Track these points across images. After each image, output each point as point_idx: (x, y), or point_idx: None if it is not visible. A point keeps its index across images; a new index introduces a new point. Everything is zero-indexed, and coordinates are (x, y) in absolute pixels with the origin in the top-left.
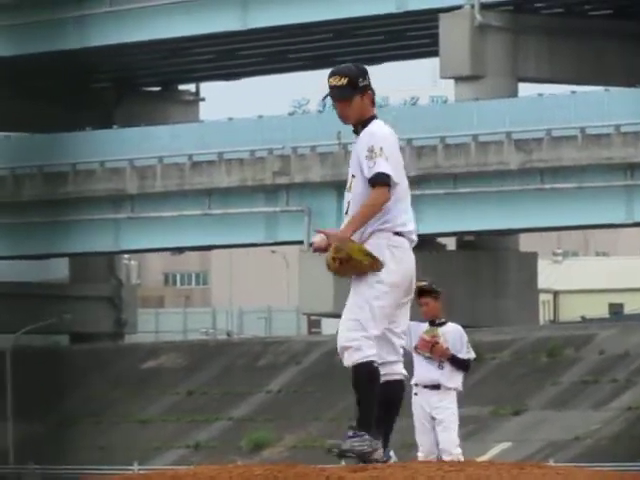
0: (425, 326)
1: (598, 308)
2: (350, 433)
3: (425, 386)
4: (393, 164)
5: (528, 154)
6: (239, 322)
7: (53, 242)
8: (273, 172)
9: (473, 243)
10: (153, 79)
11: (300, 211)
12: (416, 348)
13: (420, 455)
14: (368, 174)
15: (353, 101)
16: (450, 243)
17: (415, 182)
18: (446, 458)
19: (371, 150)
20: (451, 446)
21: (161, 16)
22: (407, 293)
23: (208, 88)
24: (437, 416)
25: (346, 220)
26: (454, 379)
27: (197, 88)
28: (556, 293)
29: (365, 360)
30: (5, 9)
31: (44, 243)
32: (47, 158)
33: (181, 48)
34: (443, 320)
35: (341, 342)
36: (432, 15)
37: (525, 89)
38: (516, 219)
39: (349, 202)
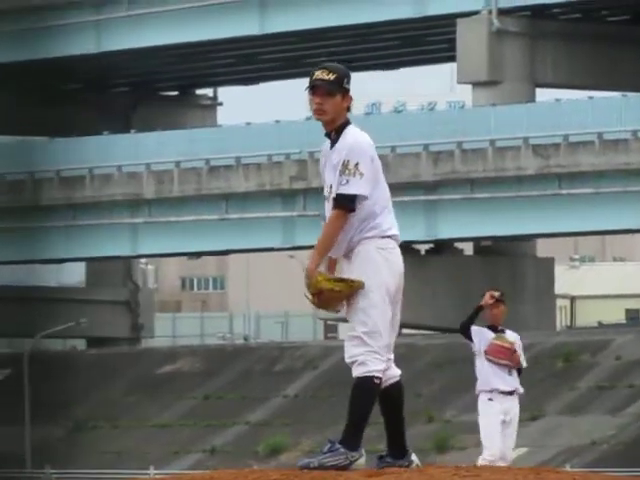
0: (488, 331)
1: (615, 313)
2: (325, 448)
3: (501, 392)
4: (370, 176)
5: (545, 159)
6: (256, 327)
7: (70, 246)
8: (290, 177)
9: (490, 248)
10: (171, 83)
11: (317, 216)
12: (486, 353)
13: (489, 459)
14: (336, 189)
15: (334, 98)
16: (467, 248)
17: (432, 187)
18: (502, 463)
19: (346, 166)
20: (511, 451)
21: (179, 21)
22: (399, 290)
23: (226, 93)
24: (511, 420)
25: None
26: (519, 385)
27: (215, 92)
28: (573, 298)
29: (367, 375)
30: (22, 13)
31: (61, 247)
32: (64, 162)
33: (199, 52)
34: (501, 327)
35: (346, 359)
36: (450, 20)
37: (542, 94)
38: (533, 224)
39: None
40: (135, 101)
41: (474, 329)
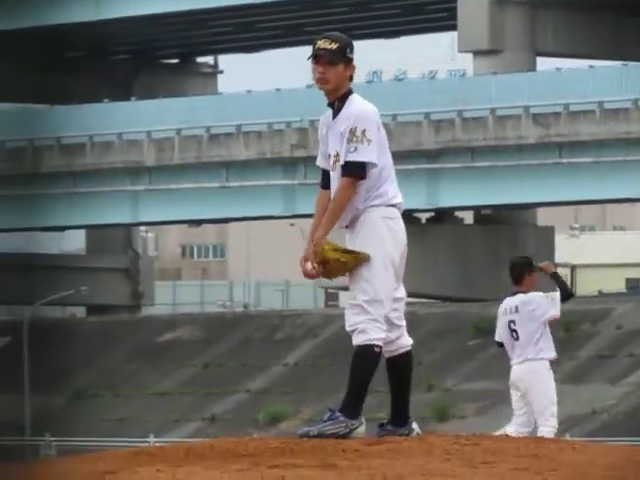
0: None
1: (615, 282)
2: (325, 416)
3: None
4: (376, 144)
5: (546, 128)
6: (256, 295)
7: (70, 214)
8: (291, 145)
9: (491, 217)
10: (171, 51)
11: (318, 184)
12: (550, 320)
13: (556, 428)
14: (345, 157)
15: (337, 67)
16: (468, 217)
17: (433, 156)
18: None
19: (353, 132)
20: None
21: None
22: (402, 258)
23: (227, 60)
24: None
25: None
26: None
27: (215, 60)
28: (573, 267)
29: (368, 343)
30: None
31: (62, 215)
32: (65, 130)
33: (200, 20)
34: None
35: (347, 327)
36: None
37: (543, 63)
38: (534, 193)
39: (336, 180)
40: (136, 69)
41: (554, 296)
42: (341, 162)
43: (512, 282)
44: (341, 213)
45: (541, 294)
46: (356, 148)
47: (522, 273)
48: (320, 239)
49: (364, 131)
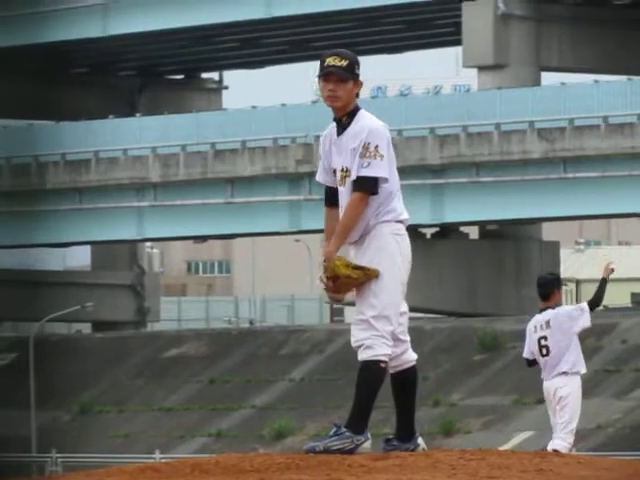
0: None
1: (620, 297)
2: (331, 432)
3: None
4: (387, 160)
5: (551, 143)
6: (262, 310)
7: (75, 230)
8: (296, 160)
9: (496, 232)
10: (176, 67)
11: (323, 200)
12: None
13: (572, 445)
14: (357, 172)
15: (347, 84)
16: (473, 232)
17: (438, 171)
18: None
19: (366, 148)
20: None
21: (185, 4)
22: (407, 273)
23: (231, 76)
24: None
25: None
26: None
27: (220, 76)
28: (578, 282)
29: (374, 359)
30: None
31: (67, 231)
32: (70, 146)
33: (205, 36)
34: None
35: (352, 343)
36: (455, 4)
37: (548, 78)
38: (539, 208)
39: (344, 195)
40: (141, 85)
41: (583, 307)
42: (353, 177)
43: (540, 298)
44: (353, 228)
45: (570, 307)
46: (369, 163)
47: (552, 289)
48: (332, 254)
49: (377, 147)
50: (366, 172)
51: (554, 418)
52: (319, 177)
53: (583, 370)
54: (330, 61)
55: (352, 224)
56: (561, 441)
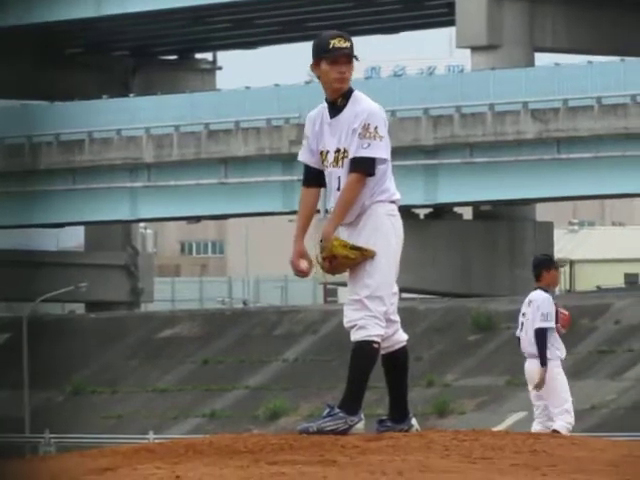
0: (550, 298)
1: (614, 278)
2: (325, 412)
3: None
4: (386, 141)
5: (545, 124)
6: (255, 291)
7: (69, 210)
8: (290, 141)
9: (490, 213)
10: (170, 48)
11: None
12: (558, 322)
13: (571, 425)
14: (356, 153)
15: (352, 65)
16: (467, 213)
17: (432, 152)
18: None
19: (366, 129)
20: None
21: None
22: (399, 253)
23: (225, 57)
24: None
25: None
26: None
27: (214, 57)
28: (572, 263)
29: (367, 339)
30: None
31: (60, 211)
32: (63, 126)
33: (198, 17)
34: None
35: (345, 323)
36: None
37: (541, 59)
38: (532, 189)
39: (339, 177)
40: (135, 65)
41: (547, 295)
42: (354, 154)
43: (534, 278)
44: (350, 208)
45: (541, 303)
46: (369, 144)
47: (540, 270)
48: (329, 234)
49: (376, 128)
50: (366, 153)
51: (532, 398)
52: (302, 157)
53: (558, 354)
54: (336, 43)
55: (350, 205)
56: (562, 422)
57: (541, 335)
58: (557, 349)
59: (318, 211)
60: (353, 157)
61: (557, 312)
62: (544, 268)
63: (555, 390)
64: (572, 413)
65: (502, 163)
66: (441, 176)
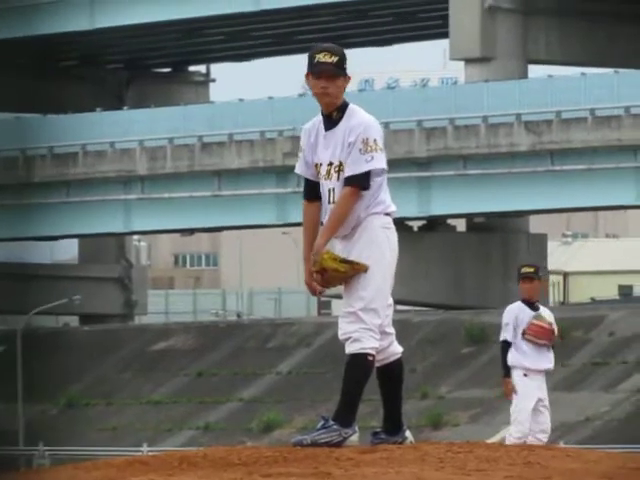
0: (525, 308)
1: (608, 289)
2: (319, 425)
3: (539, 371)
4: (384, 153)
5: (538, 136)
6: (249, 303)
7: (63, 223)
8: (283, 153)
9: (483, 225)
10: (164, 60)
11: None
12: (525, 333)
13: (519, 436)
14: (357, 168)
15: (338, 80)
16: (460, 225)
17: (425, 164)
18: (542, 435)
19: (366, 142)
20: (549, 426)
21: None
22: (394, 265)
23: (219, 69)
24: (544, 396)
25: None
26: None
27: (208, 69)
28: (566, 274)
29: (362, 352)
30: None
31: (54, 224)
32: (57, 139)
33: (192, 29)
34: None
35: (340, 335)
36: None
37: (535, 71)
38: (526, 201)
39: (331, 190)
40: (128, 78)
41: (512, 306)
42: (354, 172)
43: None
44: (342, 222)
45: (508, 309)
46: (373, 157)
47: (517, 283)
48: (320, 247)
49: (375, 140)
50: (370, 166)
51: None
52: (299, 169)
53: (526, 364)
54: (321, 58)
55: (343, 218)
56: (511, 430)
57: (502, 346)
58: (524, 359)
59: (322, 223)
60: (359, 172)
61: (531, 323)
62: (517, 281)
63: (514, 399)
64: (525, 424)
65: (495, 175)
66: (434, 188)
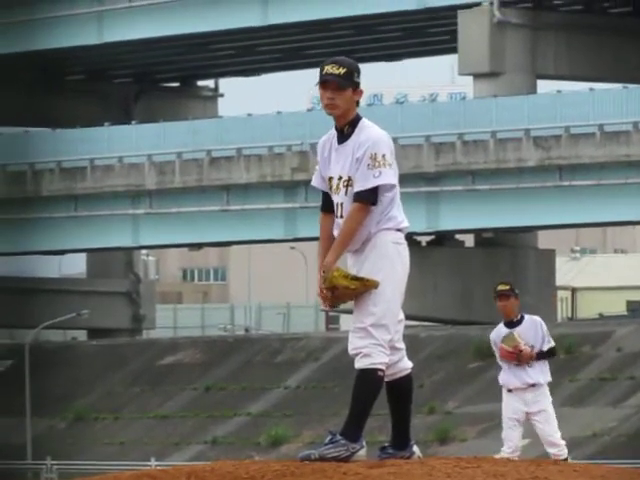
0: (500, 329)
1: (616, 305)
2: (327, 439)
3: (521, 388)
4: (394, 168)
5: (546, 151)
6: (257, 318)
7: (71, 237)
8: (292, 168)
9: (491, 240)
10: (172, 75)
11: (319, 207)
12: (500, 358)
13: (507, 451)
14: (365, 184)
15: (345, 92)
16: (468, 240)
17: (433, 179)
18: (552, 449)
19: (374, 158)
20: (555, 435)
21: (180, 12)
22: (405, 282)
23: (227, 84)
24: (535, 410)
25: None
26: (545, 373)
27: (216, 84)
28: (574, 290)
29: (371, 367)
30: (24, 4)
31: (62, 238)
32: (66, 153)
33: (200, 44)
34: (519, 317)
35: (350, 350)
36: (451, 12)
37: (543, 86)
38: (534, 216)
39: (340, 204)
40: (137, 92)
41: (495, 328)
42: (362, 187)
43: None
44: (352, 238)
45: (491, 338)
46: (380, 172)
47: None
48: (330, 264)
49: (384, 155)
50: (379, 181)
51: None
52: (315, 182)
53: (501, 381)
54: (328, 69)
55: (352, 234)
56: (503, 449)
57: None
58: (506, 377)
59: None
60: (368, 187)
61: (500, 346)
62: (494, 300)
63: (503, 416)
64: (512, 440)
65: (504, 190)
66: (443, 203)
